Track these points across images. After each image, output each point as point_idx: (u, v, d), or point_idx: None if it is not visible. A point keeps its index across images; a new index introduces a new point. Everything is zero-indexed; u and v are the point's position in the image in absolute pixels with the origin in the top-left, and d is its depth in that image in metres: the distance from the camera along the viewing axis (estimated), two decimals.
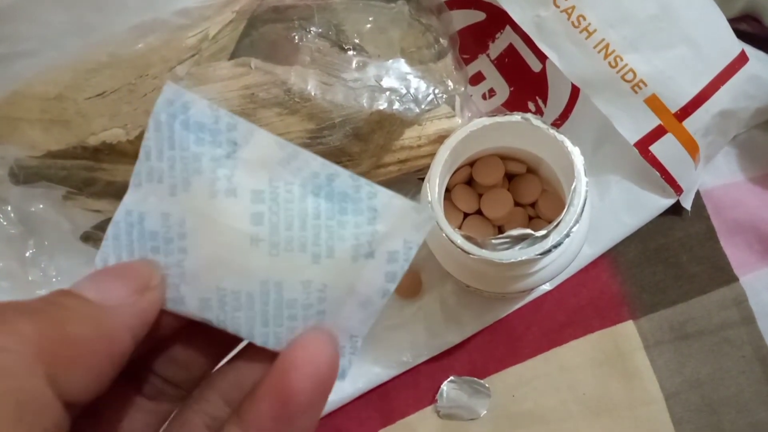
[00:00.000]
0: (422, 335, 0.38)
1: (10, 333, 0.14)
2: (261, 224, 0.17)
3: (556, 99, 0.39)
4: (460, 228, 0.36)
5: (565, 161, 0.29)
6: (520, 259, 0.27)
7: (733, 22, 0.35)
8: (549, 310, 0.38)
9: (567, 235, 0.27)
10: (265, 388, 0.16)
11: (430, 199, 0.29)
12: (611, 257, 0.39)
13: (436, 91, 0.35)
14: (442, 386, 0.38)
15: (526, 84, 0.40)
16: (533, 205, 0.36)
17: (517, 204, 0.36)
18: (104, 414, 0.18)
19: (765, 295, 0.37)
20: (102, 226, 0.37)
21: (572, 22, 0.33)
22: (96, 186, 0.35)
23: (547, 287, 0.39)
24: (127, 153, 0.34)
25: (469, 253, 0.28)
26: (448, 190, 0.36)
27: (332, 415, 0.38)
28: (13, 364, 0.13)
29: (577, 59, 0.34)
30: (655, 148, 0.35)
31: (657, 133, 0.35)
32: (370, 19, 0.35)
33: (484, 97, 0.41)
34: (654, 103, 0.34)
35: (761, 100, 0.37)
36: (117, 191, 0.35)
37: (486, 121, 0.30)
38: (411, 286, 0.39)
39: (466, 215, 0.36)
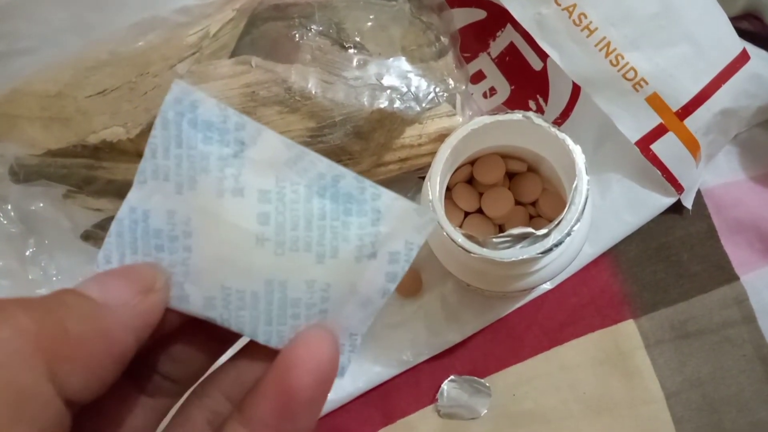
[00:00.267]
0: (423, 334, 0.38)
1: (8, 326, 0.14)
2: (267, 224, 0.17)
3: (557, 97, 0.39)
4: (460, 227, 0.36)
5: (567, 160, 0.29)
6: (520, 257, 0.27)
7: (734, 20, 0.35)
8: (550, 309, 0.38)
9: (568, 234, 0.27)
10: (267, 384, 0.16)
11: (431, 197, 0.29)
12: (612, 256, 0.39)
13: (437, 89, 0.34)
14: (442, 385, 0.38)
15: (527, 82, 0.40)
16: (534, 204, 0.36)
17: (517, 203, 0.36)
18: (104, 411, 0.18)
19: (766, 294, 0.37)
20: (102, 225, 0.37)
21: (573, 20, 0.33)
22: (96, 184, 0.35)
23: (547, 286, 0.38)
24: (127, 151, 0.34)
25: (470, 252, 0.28)
26: (448, 189, 0.36)
27: (333, 414, 0.38)
28: (11, 357, 0.13)
29: (578, 57, 0.34)
30: (656, 147, 0.35)
31: (658, 132, 0.35)
32: (371, 17, 0.35)
33: (485, 95, 0.41)
34: (655, 102, 0.34)
35: (762, 99, 0.37)
36: (117, 189, 0.35)
37: (487, 119, 0.30)
38: (412, 285, 0.38)
39: (466, 214, 0.36)
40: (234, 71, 0.33)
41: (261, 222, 0.17)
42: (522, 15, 0.34)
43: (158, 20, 0.36)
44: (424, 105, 0.34)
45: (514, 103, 0.40)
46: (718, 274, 0.38)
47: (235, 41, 0.34)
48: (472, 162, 0.36)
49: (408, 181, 0.38)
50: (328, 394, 0.17)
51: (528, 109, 0.40)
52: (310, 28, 0.34)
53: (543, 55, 0.39)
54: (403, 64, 0.34)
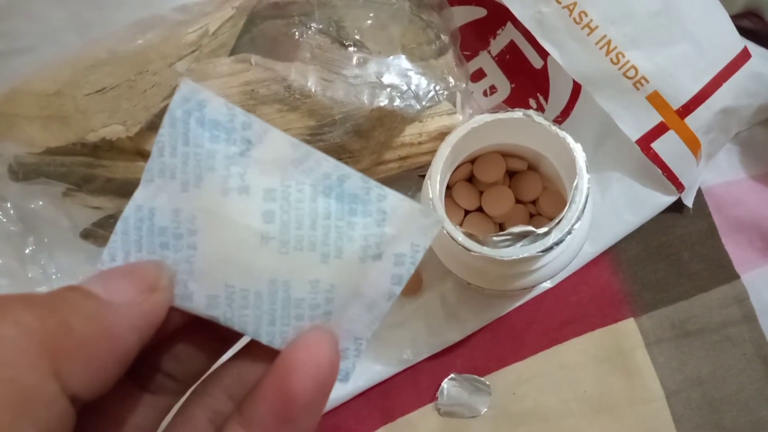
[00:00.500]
0: (423, 333, 0.38)
1: (10, 322, 0.14)
2: (272, 222, 0.17)
3: (558, 96, 0.39)
4: (461, 225, 0.36)
5: (567, 158, 0.29)
6: (521, 256, 0.27)
7: (735, 18, 0.35)
8: (550, 308, 0.38)
9: (568, 233, 0.27)
10: (267, 387, 0.16)
11: (431, 196, 0.29)
12: (612, 255, 0.39)
13: (437, 87, 0.34)
14: (442, 384, 0.38)
15: (527, 81, 0.40)
16: (534, 202, 0.36)
17: (518, 201, 0.36)
18: (106, 408, 0.18)
19: (766, 293, 0.37)
20: (102, 223, 0.37)
21: (574, 19, 0.33)
22: (95, 183, 0.35)
23: (547, 285, 0.38)
24: (126, 150, 0.34)
25: (470, 251, 0.28)
26: (449, 187, 0.35)
27: (333, 412, 0.38)
28: (15, 355, 0.13)
29: (579, 56, 0.34)
30: (656, 145, 0.35)
31: (659, 130, 0.35)
32: (371, 15, 0.35)
33: (485, 93, 0.41)
34: (656, 100, 0.34)
35: (763, 98, 0.37)
36: (116, 188, 0.35)
37: (487, 117, 0.30)
38: (412, 284, 0.38)
39: (467, 212, 0.36)
40: (233, 69, 0.33)
41: (266, 220, 0.17)
42: (522, 13, 0.34)
43: (157, 18, 0.36)
44: (424, 103, 0.34)
45: (515, 101, 0.40)
46: (718, 273, 0.38)
47: (235, 39, 0.34)
48: (473, 160, 0.36)
49: (408, 179, 0.38)
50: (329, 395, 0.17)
51: (528, 107, 0.40)
52: (310, 26, 0.34)
53: (543, 54, 0.39)
54: (403, 62, 0.34)
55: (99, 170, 0.35)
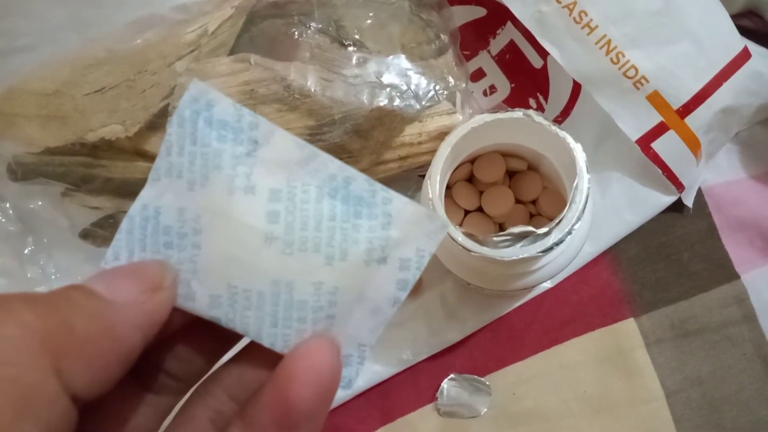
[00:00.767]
0: (422, 333, 0.38)
1: (12, 321, 0.13)
2: (277, 223, 0.17)
3: (558, 95, 0.39)
4: (460, 225, 0.35)
5: (567, 158, 0.29)
6: (521, 256, 0.27)
7: (735, 18, 0.35)
8: (550, 308, 0.38)
9: (569, 233, 0.27)
10: (268, 395, 0.16)
11: (431, 196, 0.29)
12: (612, 255, 0.38)
13: (437, 87, 0.34)
14: (442, 384, 0.38)
15: (527, 80, 0.40)
16: (534, 202, 0.36)
17: (518, 201, 0.36)
18: (107, 407, 0.17)
19: (766, 292, 0.37)
20: (101, 223, 0.36)
21: (574, 18, 0.33)
22: (94, 183, 0.35)
23: (547, 285, 0.38)
24: (125, 149, 0.34)
25: (470, 251, 0.28)
26: (448, 187, 0.35)
27: (332, 413, 0.38)
28: (17, 354, 0.13)
29: (579, 55, 0.33)
30: (656, 145, 0.35)
31: (659, 130, 0.34)
32: (371, 14, 0.35)
33: (484, 93, 0.41)
34: (656, 100, 0.34)
35: (763, 97, 0.36)
36: (115, 188, 0.35)
37: (487, 117, 0.30)
38: None
39: (466, 212, 0.36)
40: (233, 69, 0.33)
41: (270, 220, 0.17)
42: (522, 12, 0.34)
43: (156, 18, 0.36)
44: (423, 103, 0.34)
45: (515, 101, 0.40)
46: (718, 273, 0.38)
47: (234, 39, 0.34)
48: (472, 160, 0.36)
49: (408, 179, 0.38)
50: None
51: (528, 107, 0.40)
52: (310, 26, 0.34)
53: (543, 53, 0.39)
54: (402, 62, 0.34)
55: (98, 170, 0.35)
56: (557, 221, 0.27)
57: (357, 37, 0.34)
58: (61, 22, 0.36)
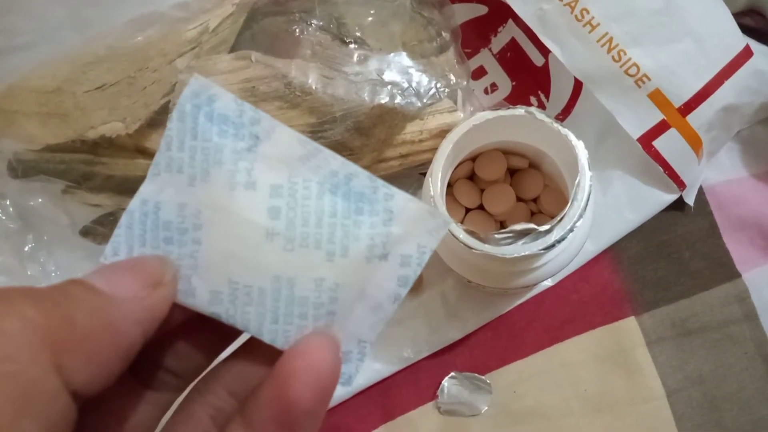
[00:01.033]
0: (423, 331, 0.38)
1: (13, 316, 0.13)
2: (278, 218, 0.17)
3: (559, 93, 0.39)
4: (461, 223, 0.35)
5: (569, 155, 0.29)
6: (523, 254, 0.27)
7: (736, 16, 0.35)
8: (551, 306, 0.38)
9: (570, 230, 0.27)
10: (267, 393, 0.16)
11: (432, 193, 0.29)
12: (613, 253, 0.38)
13: (438, 85, 0.34)
14: (442, 382, 0.38)
15: (528, 78, 0.40)
16: (535, 200, 0.36)
17: (519, 199, 0.36)
18: (107, 403, 0.17)
19: (767, 291, 0.37)
20: (101, 221, 0.36)
21: (575, 16, 0.33)
22: (95, 180, 0.35)
23: (548, 283, 0.38)
24: (126, 147, 0.34)
25: (471, 248, 0.28)
26: (449, 185, 0.35)
27: (333, 411, 0.38)
28: (17, 350, 0.13)
29: (580, 53, 0.33)
30: (658, 143, 0.35)
31: (660, 128, 0.34)
32: (372, 12, 0.35)
33: (486, 91, 0.41)
34: (657, 98, 0.34)
35: (765, 95, 0.36)
36: (116, 185, 0.35)
37: (489, 114, 0.30)
38: None
39: (467, 210, 0.36)
40: (233, 66, 0.33)
41: (272, 216, 0.17)
42: (524, 10, 0.34)
43: (157, 15, 0.36)
44: (425, 100, 0.34)
45: (516, 99, 0.40)
46: (719, 272, 0.38)
47: (235, 36, 0.34)
48: (474, 158, 0.35)
49: (409, 177, 0.38)
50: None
51: (529, 105, 0.40)
52: (311, 23, 0.34)
53: (544, 51, 0.39)
54: (403, 59, 0.34)
55: (98, 167, 0.35)
56: (559, 219, 0.27)
57: (358, 34, 0.34)
58: (61, 20, 0.36)
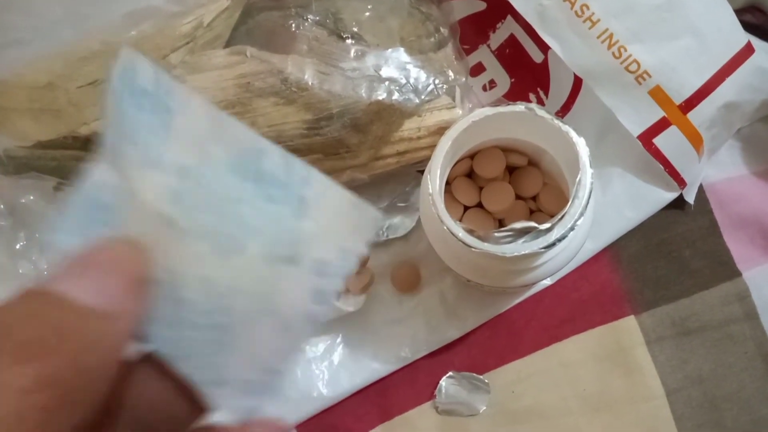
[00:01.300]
0: (421, 330, 0.37)
1: (9, 395, 0.11)
2: (178, 204, 0.15)
3: (558, 90, 0.39)
4: (460, 221, 0.35)
5: (570, 152, 0.28)
6: (523, 252, 0.27)
7: (737, 13, 0.34)
8: (550, 305, 0.38)
9: (571, 229, 0.27)
10: None
11: (430, 191, 0.29)
12: (613, 251, 0.38)
13: (437, 81, 0.34)
14: (440, 382, 0.37)
15: (527, 75, 0.39)
16: (534, 198, 0.36)
17: (518, 197, 0.35)
18: None
19: None
20: None
21: (575, 12, 0.32)
22: None
23: (547, 282, 0.38)
24: None
25: (471, 247, 0.27)
26: (448, 183, 0.35)
27: (330, 411, 0.37)
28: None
29: (580, 50, 0.33)
30: (658, 141, 0.34)
31: (661, 126, 0.34)
32: (369, 7, 0.34)
33: (484, 88, 0.40)
34: (658, 95, 0.33)
35: (766, 93, 0.36)
36: None
37: (488, 111, 0.29)
38: (410, 280, 0.38)
39: (466, 208, 0.36)
40: (228, 62, 0.32)
41: (172, 201, 0.15)
42: (523, 6, 0.33)
43: (151, 10, 0.35)
44: (423, 97, 0.34)
45: (514, 96, 0.40)
46: (719, 270, 0.37)
47: (230, 31, 0.33)
48: (472, 156, 0.35)
49: (406, 174, 0.37)
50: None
51: (528, 102, 0.39)
52: (307, 18, 0.33)
53: (544, 48, 0.38)
54: (401, 55, 0.34)
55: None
56: (560, 217, 0.27)
57: (355, 29, 0.34)
58: (58, 17, 0.36)
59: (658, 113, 0.34)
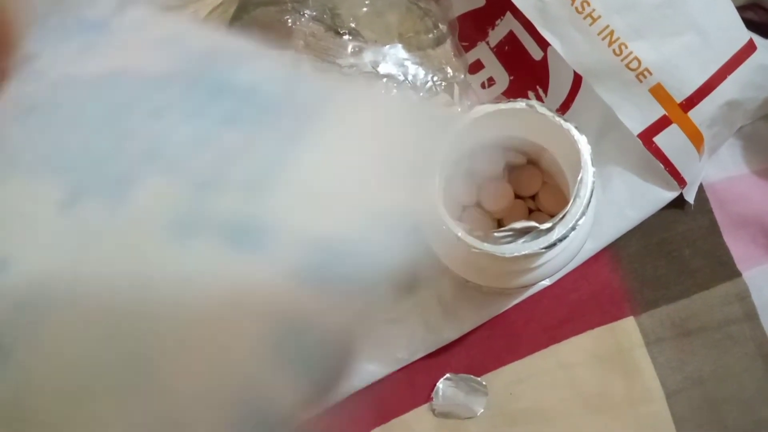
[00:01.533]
0: (418, 331, 0.37)
1: None
2: None
3: (558, 88, 0.38)
4: (458, 221, 0.35)
5: (571, 151, 0.28)
6: (523, 253, 0.26)
7: (740, 10, 0.34)
8: (548, 306, 0.37)
9: (573, 228, 0.26)
10: None
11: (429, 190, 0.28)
12: (612, 251, 0.38)
13: (435, 78, 0.33)
14: (437, 384, 0.37)
15: (526, 72, 0.39)
16: (534, 197, 0.35)
17: (517, 196, 0.35)
18: None
19: None
20: None
21: (576, 8, 0.32)
22: None
23: (546, 282, 0.38)
24: None
25: (470, 247, 0.27)
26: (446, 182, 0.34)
27: (324, 414, 0.37)
28: None
29: (581, 46, 0.33)
30: (659, 139, 0.34)
31: (661, 124, 0.34)
32: (367, 2, 0.34)
33: (483, 86, 0.40)
34: (659, 93, 0.33)
35: None
36: None
37: (488, 108, 0.29)
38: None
39: (464, 208, 0.35)
40: None
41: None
42: (523, 2, 0.33)
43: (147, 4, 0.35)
44: (421, 94, 0.33)
45: (513, 93, 0.39)
46: (719, 270, 0.37)
47: (225, 26, 0.33)
48: (471, 154, 0.35)
49: None
50: None
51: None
52: (304, 14, 0.33)
53: (543, 45, 0.38)
54: (399, 51, 0.33)
55: None
56: (561, 216, 0.27)
57: (353, 25, 0.33)
58: (50, 11, 0.35)
59: (659, 111, 0.33)
